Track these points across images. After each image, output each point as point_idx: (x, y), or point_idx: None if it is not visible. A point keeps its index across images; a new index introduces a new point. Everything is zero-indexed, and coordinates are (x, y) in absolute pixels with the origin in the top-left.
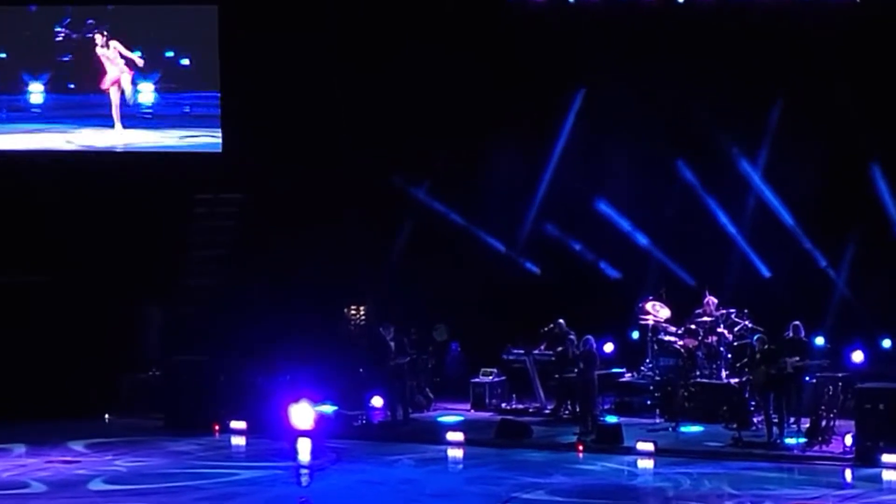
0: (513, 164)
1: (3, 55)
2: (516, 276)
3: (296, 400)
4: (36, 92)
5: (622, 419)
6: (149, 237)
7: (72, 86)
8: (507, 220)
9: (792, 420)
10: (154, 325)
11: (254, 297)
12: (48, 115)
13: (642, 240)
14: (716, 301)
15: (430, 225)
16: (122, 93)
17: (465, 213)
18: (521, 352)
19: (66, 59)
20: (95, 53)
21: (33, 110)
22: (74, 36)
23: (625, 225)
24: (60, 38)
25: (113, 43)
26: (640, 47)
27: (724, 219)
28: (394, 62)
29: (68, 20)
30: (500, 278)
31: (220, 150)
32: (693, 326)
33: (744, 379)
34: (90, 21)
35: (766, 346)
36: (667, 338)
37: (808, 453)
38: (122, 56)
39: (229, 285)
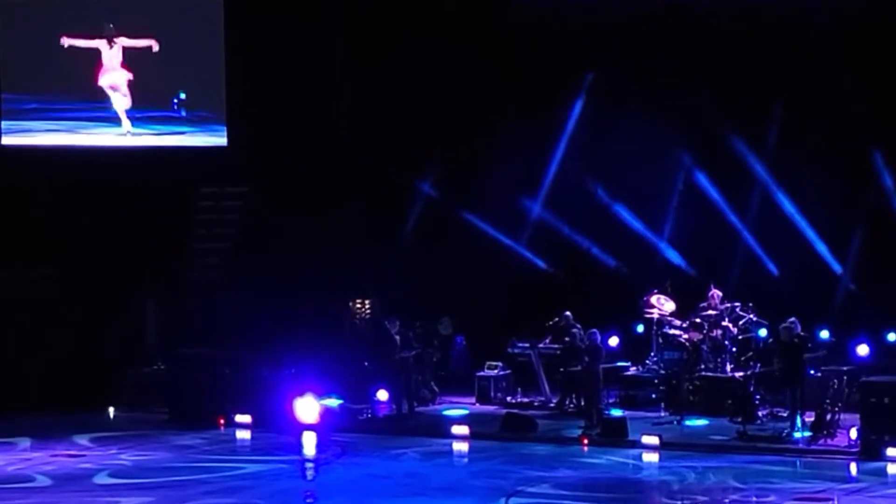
0: (517, 157)
1: None
2: (521, 270)
3: (301, 394)
4: None
5: (627, 413)
6: (153, 231)
7: None
8: (512, 213)
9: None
10: (158, 318)
11: (259, 291)
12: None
13: (647, 233)
14: (720, 294)
15: (434, 218)
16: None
17: (470, 207)
18: (527, 345)
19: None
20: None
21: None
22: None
23: (630, 218)
24: None
25: (120, 40)
26: (643, 43)
27: (728, 212)
28: (396, 57)
29: None
30: (505, 272)
31: (225, 145)
32: (698, 320)
33: (748, 372)
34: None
35: (794, 339)
36: (671, 331)
37: (813, 447)
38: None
39: (234, 279)
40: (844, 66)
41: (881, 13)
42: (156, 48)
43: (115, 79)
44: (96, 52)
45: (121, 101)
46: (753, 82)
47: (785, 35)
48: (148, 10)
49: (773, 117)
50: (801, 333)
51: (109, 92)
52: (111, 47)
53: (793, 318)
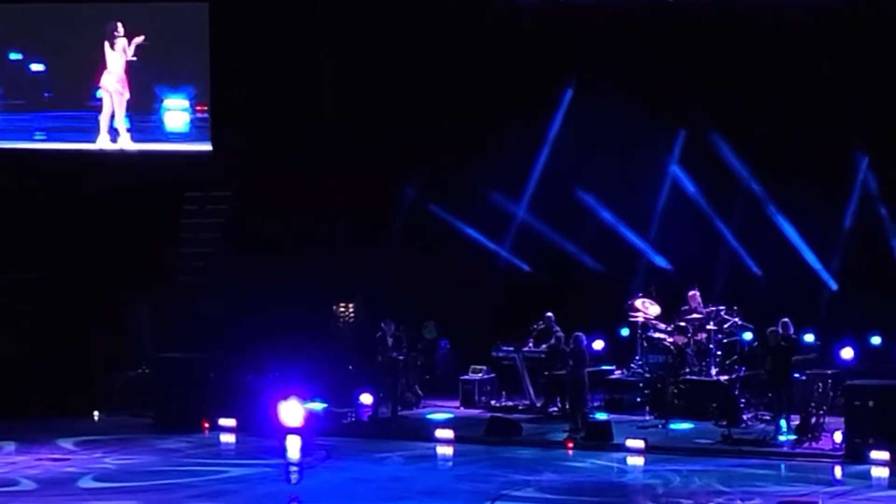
0: (502, 161)
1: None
2: (506, 274)
3: (285, 397)
4: None
5: (612, 416)
6: (139, 235)
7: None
8: (497, 216)
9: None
10: (144, 322)
11: (243, 295)
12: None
13: (633, 237)
14: (698, 294)
15: (419, 223)
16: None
17: (454, 211)
18: (511, 349)
19: None
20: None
21: None
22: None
23: (615, 222)
24: None
25: (121, 41)
26: (630, 46)
27: (714, 215)
28: (382, 61)
29: None
30: (489, 275)
31: (210, 150)
32: (683, 323)
33: (733, 376)
34: None
35: (781, 342)
36: (656, 335)
37: (797, 450)
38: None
39: (219, 283)
40: (831, 71)
41: (868, 17)
42: (141, 40)
43: (109, 82)
44: (100, 55)
45: (108, 107)
46: (739, 86)
47: (772, 39)
48: (133, 17)
49: (758, 121)
50: (790, 335)
51: (104, 94)
52: (113, 48)
53: (785, 319)
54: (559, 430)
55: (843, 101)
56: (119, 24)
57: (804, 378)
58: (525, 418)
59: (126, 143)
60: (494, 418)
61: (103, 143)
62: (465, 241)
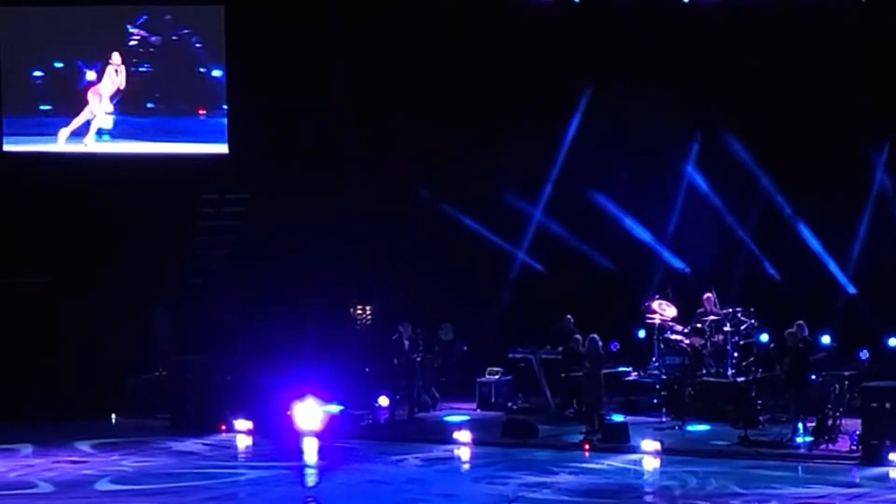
0: (519, 163)
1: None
2: (523, 275)
3: (302, 399)
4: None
5: (628, 418)
6: (155, 237)
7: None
8: (514, 218)
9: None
10: (160, 324)
11: (260, 297)
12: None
13: (649, 238)
14: (713, 297)
15: (435, 224)
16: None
17: (471, 213)
18: (528, 351)
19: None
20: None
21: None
22: (153, 39)
23: (631, 223)
24: (135, 42)
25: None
26: (647, 46)
27: (730, 216)
28: (398, 63)
29: (144, 18)
30: (506, 277)
31: (226, 152)
32: (699, 325)
33: (750, 377)
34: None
35: (799, 344)
36: (673, 336)
37: (814, 452)
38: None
39: (235, 285)
40: (846, 69)
41: (880, 13)
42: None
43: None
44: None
45: (100, 110)
46: (756, 87)
47: (790, 39)
48: (149, 20)
49: (775, 122)
50: (806, 338)
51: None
52: (104, 73)
53: (800, 321)
54: (576, 432)
55: (862, 102)
56: (116, 54)
57: (821, 380)
58: (541, 420)
59: (91, 143)
60: (511, 420)
61: (90, 143)
62: (481, 243)
